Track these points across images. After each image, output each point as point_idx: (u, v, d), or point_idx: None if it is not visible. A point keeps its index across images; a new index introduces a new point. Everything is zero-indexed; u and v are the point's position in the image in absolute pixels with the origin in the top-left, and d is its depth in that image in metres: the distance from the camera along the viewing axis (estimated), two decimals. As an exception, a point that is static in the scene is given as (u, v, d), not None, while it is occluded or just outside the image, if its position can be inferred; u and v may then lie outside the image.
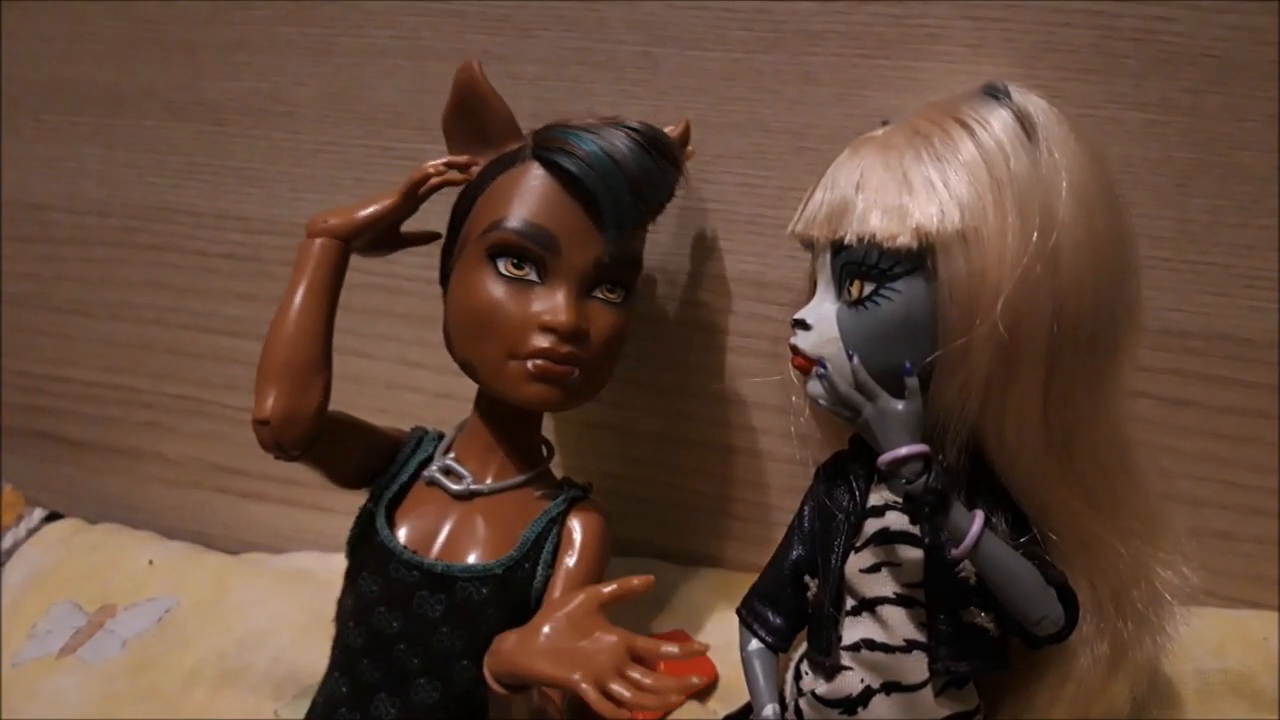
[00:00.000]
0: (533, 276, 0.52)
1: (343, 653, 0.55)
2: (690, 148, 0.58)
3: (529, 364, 0.52)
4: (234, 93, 0.68)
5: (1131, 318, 0.46)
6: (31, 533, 0.82)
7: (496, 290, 0.52)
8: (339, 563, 0.73)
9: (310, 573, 0.74)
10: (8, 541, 0.81)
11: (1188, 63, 0.52)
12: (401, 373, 0.71)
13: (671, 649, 0.45)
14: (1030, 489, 0.46)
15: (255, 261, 0.72)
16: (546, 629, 0.46)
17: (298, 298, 0.53)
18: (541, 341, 0.52)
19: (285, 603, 0.70)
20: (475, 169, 0.55)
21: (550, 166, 0.52)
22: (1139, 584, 0.48)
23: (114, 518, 0.83)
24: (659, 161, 0.53)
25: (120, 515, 0.83)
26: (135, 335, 0.77)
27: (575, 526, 0.55)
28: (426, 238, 0.58)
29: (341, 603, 0.56)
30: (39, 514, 0.85)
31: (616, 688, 0.43)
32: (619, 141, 0.52)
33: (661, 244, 0.63)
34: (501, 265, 0.52)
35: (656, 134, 0.53)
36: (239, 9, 0.65)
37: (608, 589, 0.48)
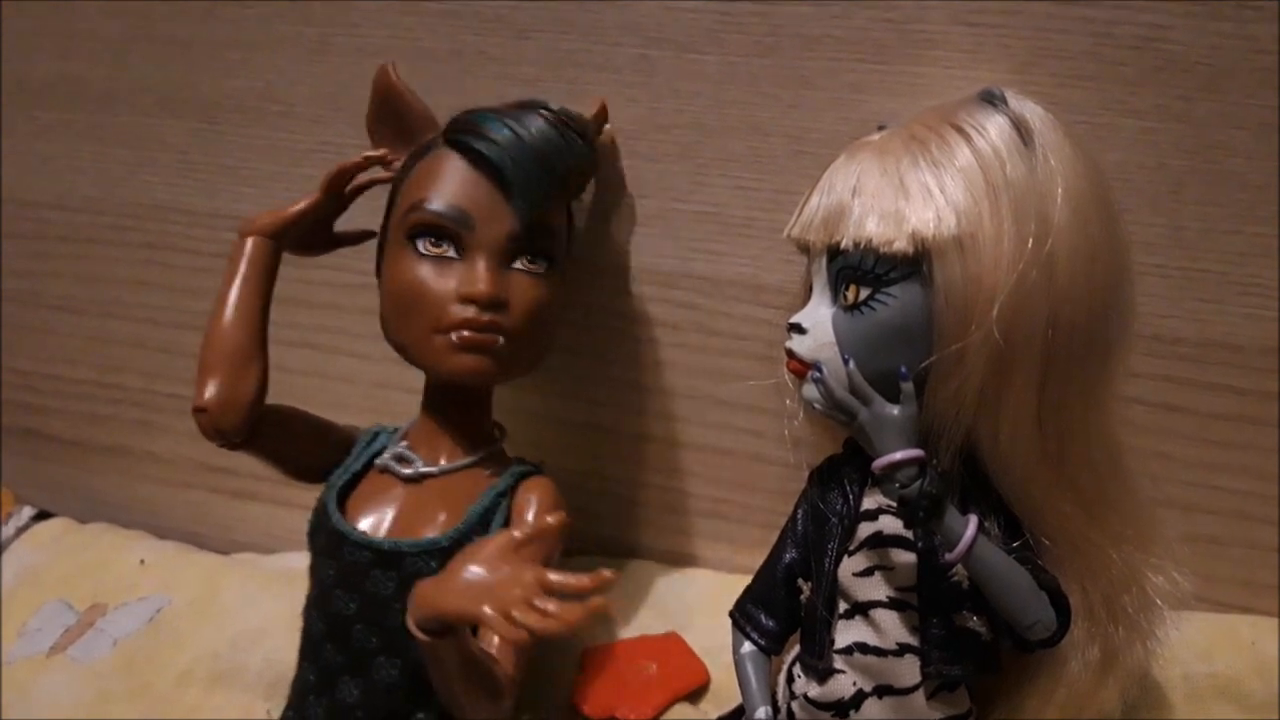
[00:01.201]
0: (451, 253, 0.54)
1: (307, 641, 0.57)
2: (608, 126, 0.60)
3: (453, 336, 0.54)
4: (228, 91, 0.67)
5: (1125, 324, 0.46)
6: (20, 531, 0.82)
7: (418, 269, 0.54)
8: (331, 563, 0.73)
9: (302, 573, 0.73)
10: (-3, 539, 0.81)
11: (1183, 70, 0.52)
12: (393, 372, 0.70)
13: (582, 580, 0.44)
14: (1023, 493, 0.46)
15: (248, 260, 0.71)
16: (461, 570, 0.46)
17: (231, 293, 0.56)
18: (463, 312, 0.53)
19: (277, 603, 0.70)
20: (396, 163, 0.57)
21: (459, 148, 0.54)
22: (1130, 589, 0.48)
23: (105, 517, 0.82)
24: (566, 135, 0.55)
25: (111, 514, 0.82)
26: (128, 333, 0.77)
27: (526, 500, 0.57)
28: (360, 236, 0.61)
29: (308, 596, 0.58)
30: (28, 512, 0.85)
31: (519, 614, 0.43)
32: (525, 119, 0.54)
33: (654, 246, 0.63)
34: (421, 245, 0.54)
35: (565, 111, 0.56)
36: (234, 7, 0.65)
37: (520, 530, 0.48)
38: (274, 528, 0.79)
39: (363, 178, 0.58)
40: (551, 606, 0.43)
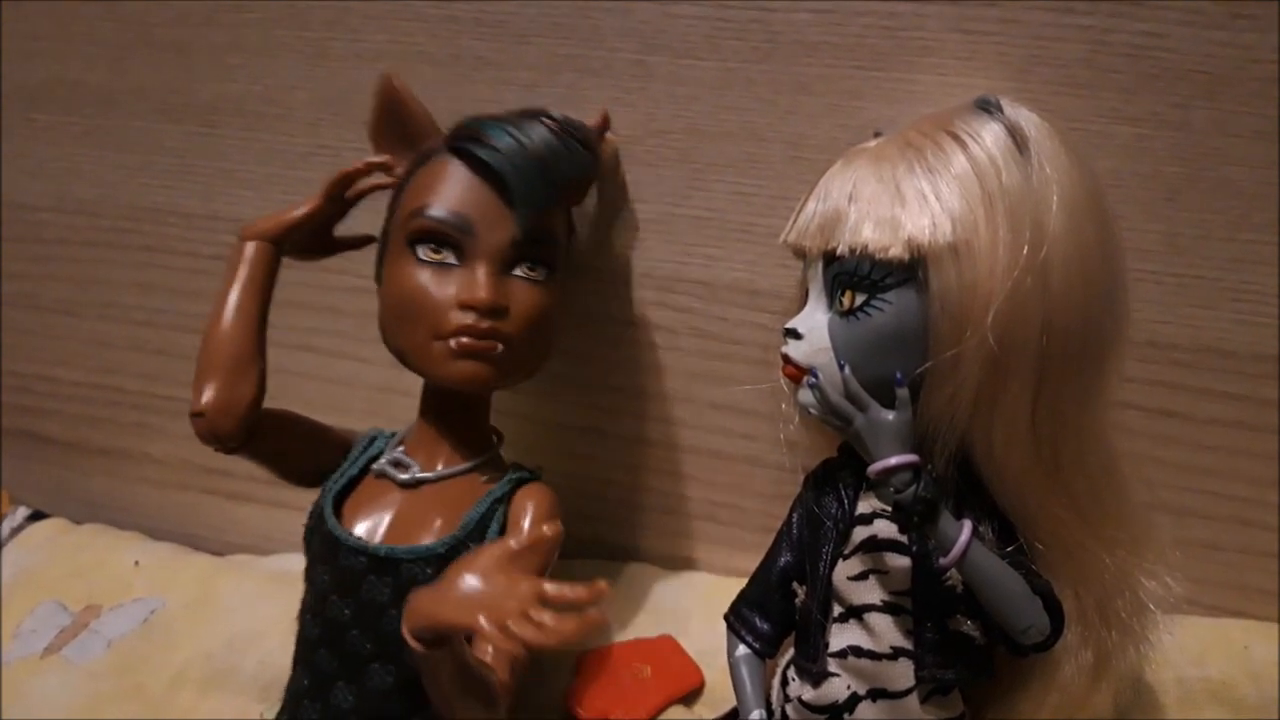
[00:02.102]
0: (451, 260, 0.54)
1: (302, 645, 0.57)
2: (610, 134, 0.61)
3: (451, 342, 0.54)
4: (227, 95, 0.67)
5: (1119, 330, 0.46)
6: (15, 531, 0.82)
7: (418, 276, 0.54)
8: (327, 565, 0.73)
9: (297, 575, 0.73)
10: (-8, 540, 0.81)
11: (1177, 78, 0.52)
12: (393, 376, 0.70)
13: (579, 591, 0.44)
14: (1017, 498, 0.46)
15: (246, 263, 0.71)
16: (458, 580, 0.46)
17: (230, 297, 0.56)
18: (462, 319, 0.53)
19: (272, 604, 0.70)
20: (398, 169, 0.57)
21: (461, 155, 0.54)
22: (1123, 593, 0.48)
23: (101, 518, 0.82)
24: (568, 144, 0.55)
25: (107, 516, 0.82)
26: (125, 336, 0.77)
27: (523, 506, 0.56)
28: (360, 241, 0.60)
29: (303, 601, 0.58)
30: (23, 512, 0.85)
31: (515, 625, 0.43)
32: (527, 127, 0.55)
33: (651, 250, 0.63)
34: (421, 251, 0.54)
35: (567, 119, 0.56)
36: (232, 12, 0.65)
37: (516, 540, 0.47)
38: (269, 530, 0.79)
39: (364, 183, 0.58)
40: (548, 619, 0.42)
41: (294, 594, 0.70)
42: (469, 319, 0.53)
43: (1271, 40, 0.50)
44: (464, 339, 0.53)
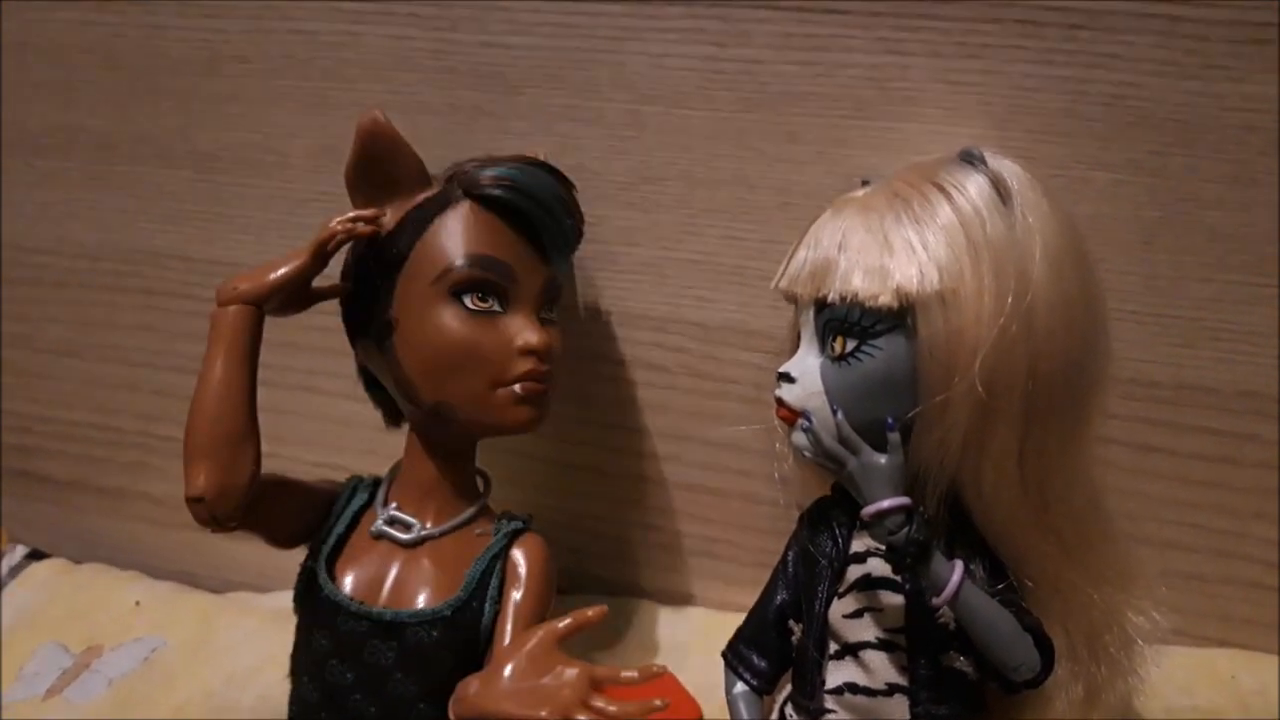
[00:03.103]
0: (496, 307, 0.54)
1: (301, 708, 0.55)
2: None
3: (516, 388, 0.53)
4: (226, 143, 0.68)
5: (1102, 373, 0.47)
6: (15, 571, 0.82)
7: (468, 326, 0.53)
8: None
9: (297, 611, 0.75)
10: (-10, 579, 0.81)
11: (1153, 127, 0.53)
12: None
13: (630, 674, 0.46)
14: (1006, 537, 0.47)
15: (246, 306, 0.72)
16: (509, 670, 0.46)
17: (217, 370, 0.52)
18: (523, 365, 0.53)
19: (272, 641, 0.71)
20: (384, 220, 0.55)
21: (490, 203, 0.54)
22: (1111, 629, 0.50)
23: (100, 557, 0.83)
24: (568, 185, 0.57)
25: (106, 554, 0.83)
26: (124, 377, 0.78)
27: (519, 560, 0.55)
28: (335, 291, 0.57)
29: (295, 658, 0.56)
30: (21, 551, 0.85)
31: (581, 717, 0.44)
32: (539, 173, 0.55)
33: (646, 293, 0.64)
34: (468, 301, 0.53)
35: (554, 165, 0.57)
36: (233, 61, 0.66)
37: (563, 624, 0.48)
38: (267, 567, 0.79)
39: (344, 234, 0.54)
40: (613, 709, 0.44)
41: (292, 631, 0.71)
42: (530, 364, 0.53)
43: (1243, 89, 0.52)
44: (530, 383, 0.53)
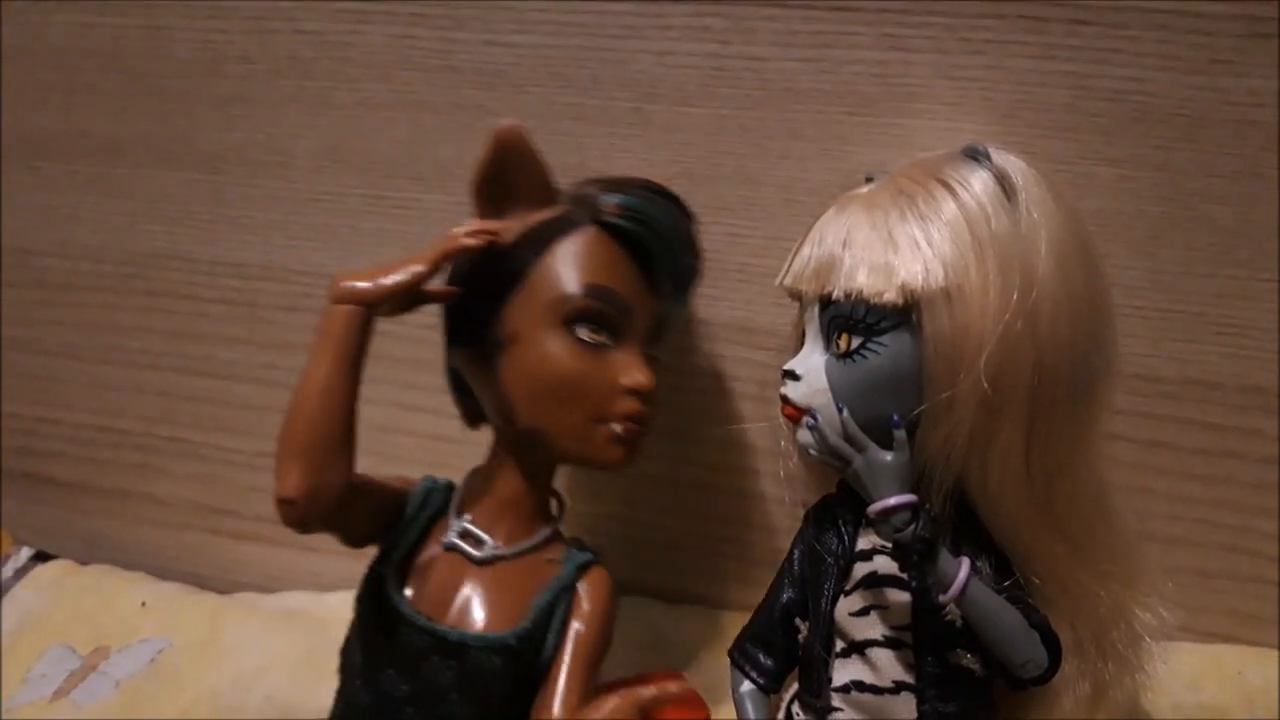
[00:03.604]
0: (608, 341, 0.53)
1: (347, 708, 0.54)
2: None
3: (616, 427, 0.52)
4: (230, 143, 0.68)
5: (1108, 368, 0.47)
6: (20, 573, 0.82)
7: (577, 357, 0.52)
8: (331, 602, 0.74)
9: (302, 612, 0.75)
10: (-5, 581, 0.81)
11: (1158, 121, 0.53)
12: (396, 416, 0.71)
13: None
14: (1013, 534, 0.47)
15: (249, 307, 0.72)
16: None
17: (323, 370, 0.50)
18: (627, 405, 0.52)
19: (278, 642, 0.71)
20: (505, 233, 0.53)
21: (615, 232, 0.53)
22: (1118, 625, 0.49)
23: (104, 559, 0.83)
24: (690, 223, 0.56)
25: (111, 556, 0.83)
26: (128, 379, 0.78)
27: (583, 593, 0.54)
28: (445, 296, 0.55)
29: (348, 655, 0.55)
30: (26, 553, 0.85)
31: None
32: (664, 205, 0.54)
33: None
34: (581, 332, 0.52)
35: (680, 197, 0.56)
36: (236, 62, 0.66)
37: (648, 693, 0.49)
38: (273, 568, 0.79)
39: (466, 244, 0.52)
40: None
41: (299, 631, 0.71)
42: (634, 404, 0.52)
43: (1247, 84, 0.52)
44: (630, 424, 0.52)
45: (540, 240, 0.53)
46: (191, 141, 0.69)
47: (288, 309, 0.71)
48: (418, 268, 0.51)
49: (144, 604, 0.76)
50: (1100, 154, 0.55)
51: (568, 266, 0.52)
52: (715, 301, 0.64)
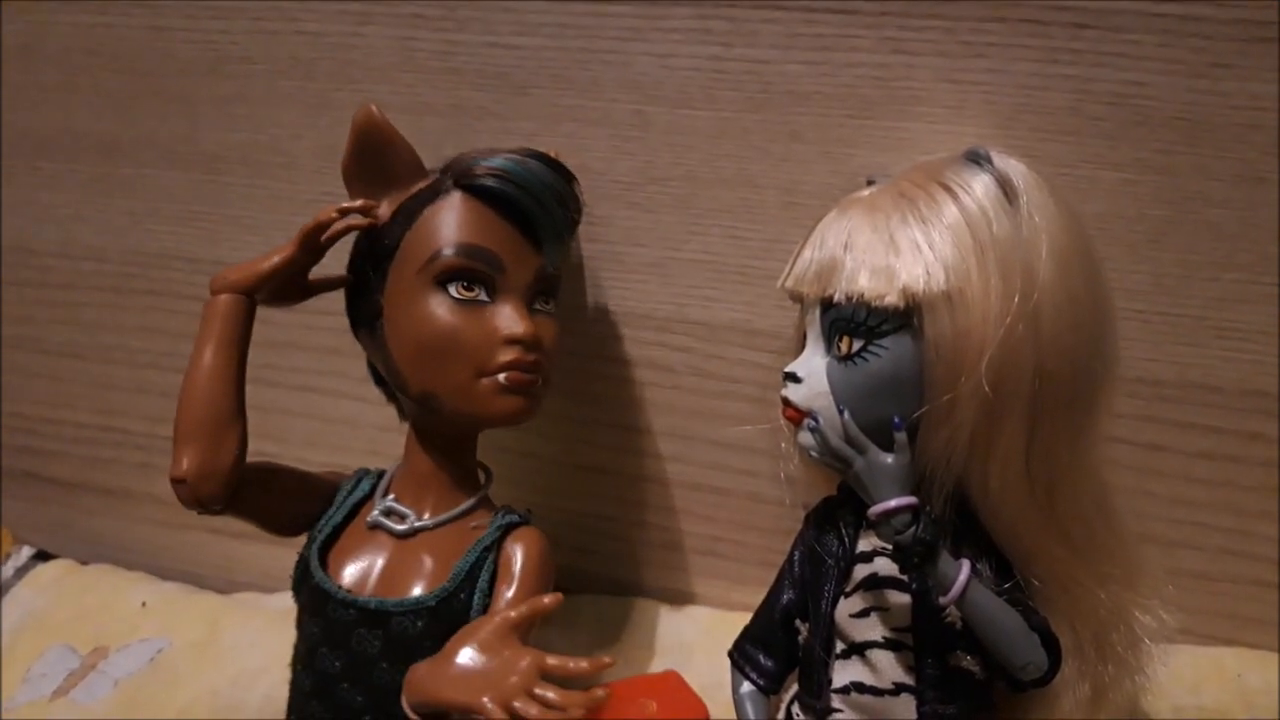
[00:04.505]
0: (483, 296, 0.54)
1: (295, 696, 0.56)
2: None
3: (500, 378, 0.53)
4: (232, 144, 0.68)
5: (1109, 372, 0.47)
6: (20, 572, 0.83)
7: (452, 315, 0.53)
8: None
9: (303, 612, 0.75)
10: (-4, 579, 0.82)
11: (1160, 125, 0.53)
12: (395, 415, 0.71)
13: (580, 664, 0.45)
14: (1013, 536, 0.47)
15: (252, 308, 0.73)
16: (458, 656, 0.46)
17: (206, 356, 0.54)
18: (508, 354, 0.53)
19: (277, 641, 0.70)
20: (380, 211, 0.56)
21: (480, 193, 0.54)
22: (1119, 627, 0.50)
23: (105, 558, 0.83)
24: (566, 177, 0.57)
25: (111, 555, 0.83)
26: (130, 379, 0.78)
27: (513, 553, 0.55)
28: (337, 283, 0.58)
29: (295, 646, 0.57)
30: (27, 552, 0.85)
31: (520, 704, 0.43)
32: (533, 165, 0.55)
33: (651, 293, 0.64)
34: (453, 290, 0.54)
35: (552, 156, 0.57)
36: (238, 63, 0.66)
37: (518, 611, 0.48)
38: (273, 568, 0.79)
39: (339, 225, 0.55)
40: (552, 695, 0.43)
41: (298, 631, 0.71)
42: (514, 353, 0.53)
43: (1249, 88, 0.52)
44: (514, 373, 0.53)
45: (410, 211, 0.55)
46: (193, 141, 0.69)
47: (289, 309, 0.71)
48: (287, 250, 0.55)
49: (144, 604, 0.77)
50: (1102, 158, 0.54)
51: (436, 229, 0.54)
52: (715, 303, 0.64)
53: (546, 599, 0.48)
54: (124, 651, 0.73)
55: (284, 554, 0.77)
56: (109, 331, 0.77)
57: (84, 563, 0.83)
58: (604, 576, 0.73)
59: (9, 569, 0.83)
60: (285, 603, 0.76)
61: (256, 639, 0.73)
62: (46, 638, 0.74)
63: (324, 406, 0.74)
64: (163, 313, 0.75)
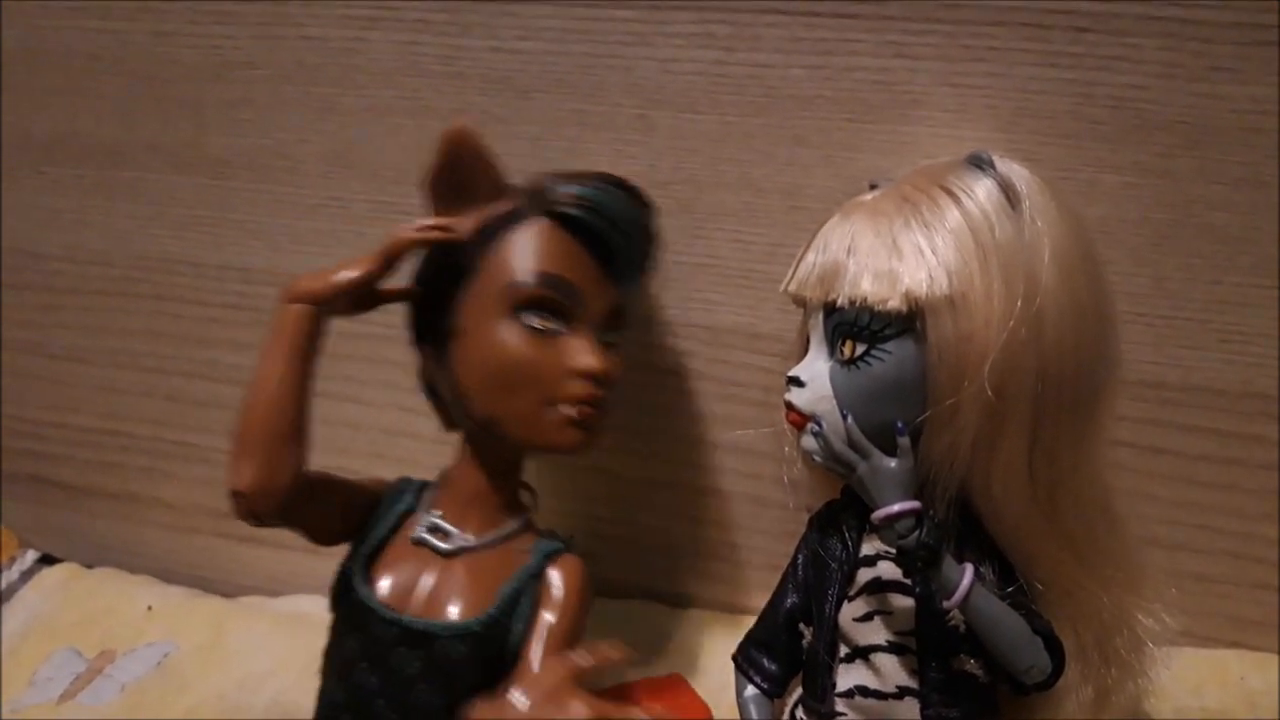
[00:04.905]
0: (558, 327, 0.53)
1: (325, 707, 0.55)
2: None
3: (572, 410, 0.53)
4: (237, 148, 0.69)
5: (1111, 375, 0.47)
6: (25, 575, 0.83)
7: (526, 344, 0.53)
8: (338, 606, 0.74)
9: (308, 615, 0.74)
10: (1, 583, 0.81)
11: (1161, 129, 0.53)
12: (399, 419, 0.72)
13: (635, 714, 0.45)
14: (1016, 540, 0.47)
15: (256, 311, 0.72)
16: (520, 699, 0.46)
17: (277, 366, 0.52)
18: (577, 387, 0.53)
19: (284, 645, 0.71)
20: (459, 230, 0.55)
21: (565, 221, 0.54)
22: (1121, 631, 0.50)
23: (111, 561, 0.83)
24: (646, 212, 0.56)
25: (117, 559, 0.83)
26: (135, 383, 0.78)
27: (553, 581, 0.55)
28: (402, 295, 0.57)
29: (326, 655, 0.56)
30: (31, 555, 0.86)
31: None
32: (618, 194, 0.55)
33: (657, 296, 0.65)
34: (529, 319, 0.53)
35: (638, 187, 0.56)
36: (243, 68, 0.66)
37: (581, 660, 0.48)
38: (280, 571, 0.79)
39: (417, 238, 0.54)
40: None
41: (306, 634, 0.70)
42: (585, 387, 0.53)
43: (1250, 92, 0.52)
44: (584, 407, 0.53)
45: (491, 233, 0.54)
46: (198, 146, 0.69)
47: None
48: (365, 266, 0.53)
49: (150, 608, 0.77)
50: (1103, 161, 0.55)
51: (516, 256, 0.53)
52: (719, 307, 0.64)
53: (614, 652, 0.48)
54: (130, 655, 0.73)
55: (289, 557, 0.78)
56: (114, 336, 0.77)
57: (89, 566, 0.83)
58: (607, 579, 0.72)
59: (14, 573, 0.83)
60: (291, 606, 0.77)
61: (263, 642, 0.73)
62: (52, 642, 0.74)
63: (363, 415, 0.74)
64: (167, 317, 0.75)
